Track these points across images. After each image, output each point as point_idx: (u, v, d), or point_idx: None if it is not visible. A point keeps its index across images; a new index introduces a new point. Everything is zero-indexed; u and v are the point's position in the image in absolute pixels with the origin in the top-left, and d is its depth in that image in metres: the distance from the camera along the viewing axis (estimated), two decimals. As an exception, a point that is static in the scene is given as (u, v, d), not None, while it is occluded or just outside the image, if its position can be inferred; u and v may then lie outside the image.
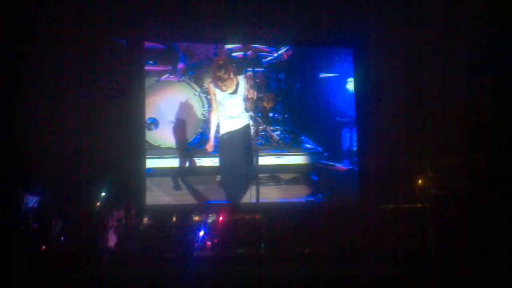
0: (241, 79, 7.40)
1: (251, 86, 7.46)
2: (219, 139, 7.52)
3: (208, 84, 7.48)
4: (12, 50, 7.03)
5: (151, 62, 7.90)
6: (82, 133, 7.31)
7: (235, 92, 7.35)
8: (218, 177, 7.82)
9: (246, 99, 7.33)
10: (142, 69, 7.82)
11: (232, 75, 7.28)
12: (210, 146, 7.52)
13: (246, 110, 7.44)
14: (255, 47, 8.16)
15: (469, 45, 7.50)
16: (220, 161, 7.69)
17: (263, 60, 8.20)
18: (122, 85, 7.63)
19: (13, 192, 7.07)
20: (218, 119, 7.46)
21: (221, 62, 7.31)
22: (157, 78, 7.93)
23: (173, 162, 7.86)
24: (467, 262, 6.49)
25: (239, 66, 8.06)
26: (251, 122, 7.71)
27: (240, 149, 7.57)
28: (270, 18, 7.73)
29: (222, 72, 7.17)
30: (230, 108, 7.39)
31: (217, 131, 7.49)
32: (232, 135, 7.48)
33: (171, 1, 7.50)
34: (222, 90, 7.29)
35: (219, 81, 7.21)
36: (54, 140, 7.23)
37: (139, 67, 7.80)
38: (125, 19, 7.45)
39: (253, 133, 7.94)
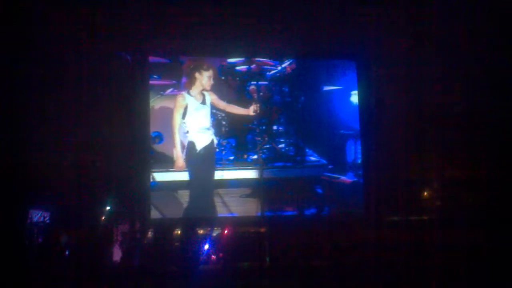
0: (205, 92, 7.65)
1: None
2: (192, 154, 7.53)
3: (179, 96, 7.59)
4: (16, 65, 7.08)
5: (155, 76, 7.95)
6: (87, 147, 7.36)
7: (203, 102, 7.56)
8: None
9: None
10: (147, 83, 7.88)
11: None
12: (180, 162, 7.50)
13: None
14: (259, 60, 8.20)
15: (471, 56, 7.51)
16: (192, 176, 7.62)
17: (267, 73, 8.23)
18: (127, 99, 7.67)
19: (17, 206, 7.08)
20: (187, 132, 7.52)
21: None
22: (161, 92, 7.97)
23: (178, 176, 7.81)
24: (472, 273, 6.44)
25: (243, 80, 8.11)
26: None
27: (208, 163, 7.65)
28: (273, 32, 7.78)
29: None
30: (201, 120, 7.54)
31: (187, 146, 7.54)
32: (203, 150, 7.55)
33: (175, 15, 7.56)
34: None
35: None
36: (59, 154, 7.27)
37: (144, 81, 7.86)
38: (129, 33, 7.51)
39: (258, 146, 7.97)
